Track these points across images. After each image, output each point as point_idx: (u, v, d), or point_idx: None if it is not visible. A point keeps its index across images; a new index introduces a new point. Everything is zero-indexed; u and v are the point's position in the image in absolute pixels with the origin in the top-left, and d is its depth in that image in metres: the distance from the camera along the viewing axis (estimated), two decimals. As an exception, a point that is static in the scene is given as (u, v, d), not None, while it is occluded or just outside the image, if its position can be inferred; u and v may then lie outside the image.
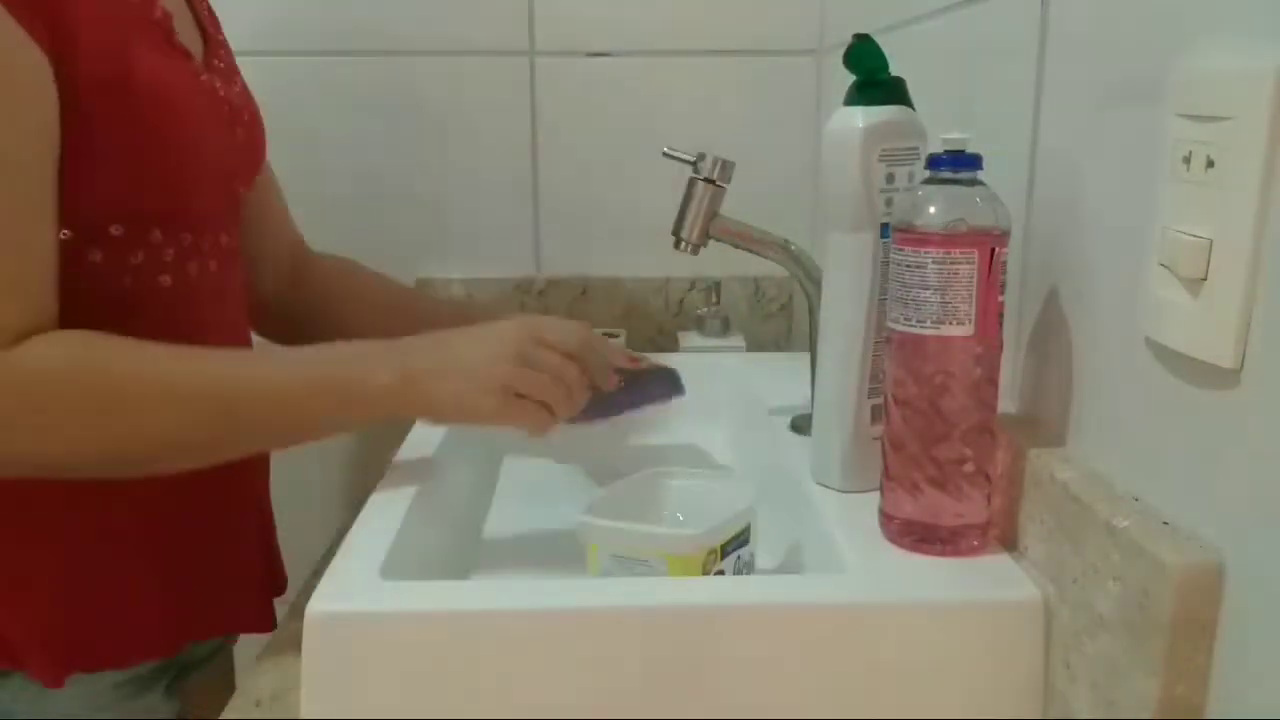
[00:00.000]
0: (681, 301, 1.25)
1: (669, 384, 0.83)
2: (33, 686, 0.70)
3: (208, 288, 0.77)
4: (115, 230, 0.69)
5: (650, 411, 0.81)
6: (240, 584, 0.84)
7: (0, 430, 0.62)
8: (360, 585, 0.59)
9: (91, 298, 0.68)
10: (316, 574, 0.69)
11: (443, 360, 0.68)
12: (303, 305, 0.97)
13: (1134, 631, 0.46)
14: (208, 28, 0.83)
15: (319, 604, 0.56)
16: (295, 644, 0.56)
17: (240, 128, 0.82)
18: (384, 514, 0.68)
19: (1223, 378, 0.43)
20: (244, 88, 0.86)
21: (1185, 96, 0.44)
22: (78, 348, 0.65)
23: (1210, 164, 0.42)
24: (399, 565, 0.62)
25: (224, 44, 0.86)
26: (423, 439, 0.84)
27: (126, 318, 0.68)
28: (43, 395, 0.63)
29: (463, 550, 0.80)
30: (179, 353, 0.67)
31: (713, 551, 0.66)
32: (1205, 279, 0.43)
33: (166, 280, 0.72)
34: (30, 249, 0.64)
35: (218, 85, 0.79)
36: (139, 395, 0.65)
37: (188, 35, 0.78)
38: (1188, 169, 0.44)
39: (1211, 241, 0.42)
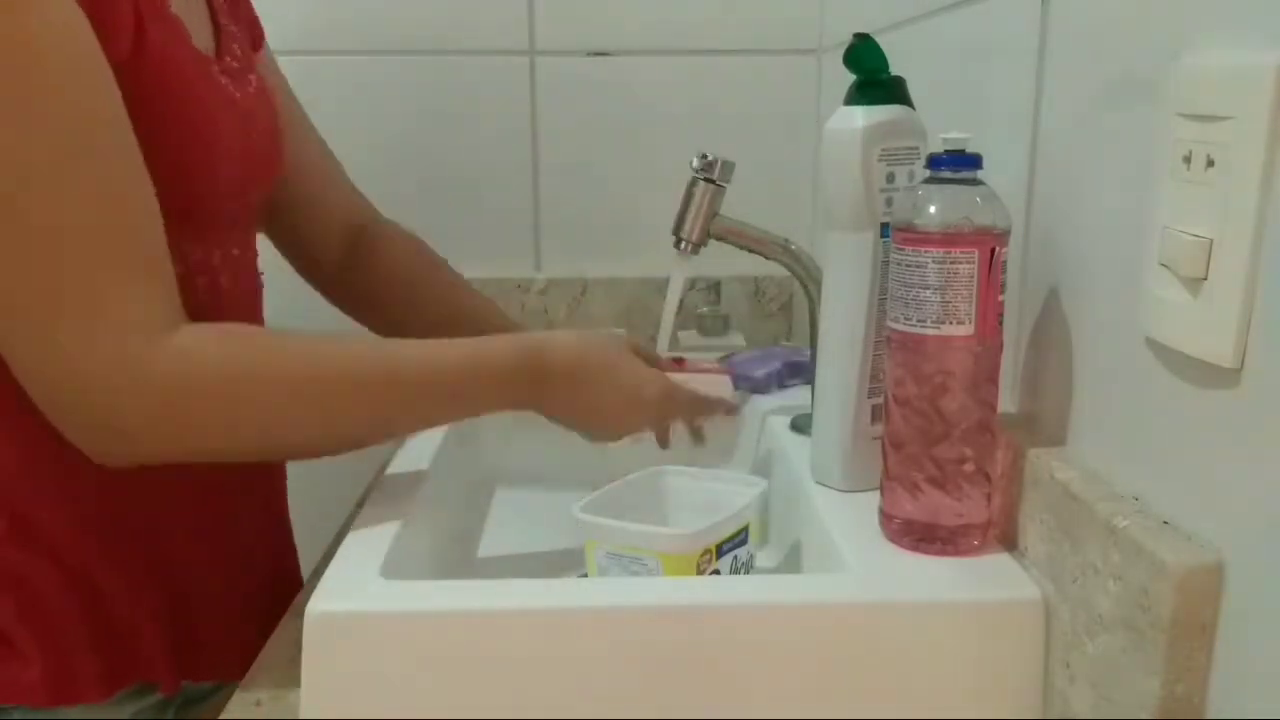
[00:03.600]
0: (681, 301, 1.25)
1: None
2: None
3: (219, 303, 0.73)
4: None
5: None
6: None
7: (192, 429, 0.61)
8: (360, 585, 0.59)
9: None
10: (316, 574, 0.69)
11: (586, 417, 0.74)
12: (366, 284, 0.94)
13: (1134, 631, 0.46)
14: (220, 20, 0.79)
15: (319, 604, 0.56)
16: (295, 644, 0.56)
17: (256, 133, 0.78)
18: (384, 514, 0.68)
19: (1223, 377, 0.43)
20: (260, 88, 0.81)
21: (1185, 96, 0.44)
22: (237, 339, 0.63)
23: (1210, 163, 0.42)
24: (399, 565, 0.62)
25: (238, 37, 0.81)
26: (423, 440, 0.84)
27: None
28: (228, 389, 0.61)
29: (462, 550, 0.80)
30: (328, 340, 0.67)
31: (708, 551, 0.66)
32: (1205, 278, 0.43)
33: None
34: (157, 226, 0.61)
35: (229, 86, 0.75)
36: (319, 382, 0.64)
37: (200, 32, 0.74)
38: (1188, 168, 0.44)
39: (1212, 241, 0.42)
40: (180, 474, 0.67)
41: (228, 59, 0.78)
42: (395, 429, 0.73)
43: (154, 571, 0.71)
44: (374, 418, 0.67)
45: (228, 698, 0.62)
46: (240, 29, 0.83)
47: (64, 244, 0.58)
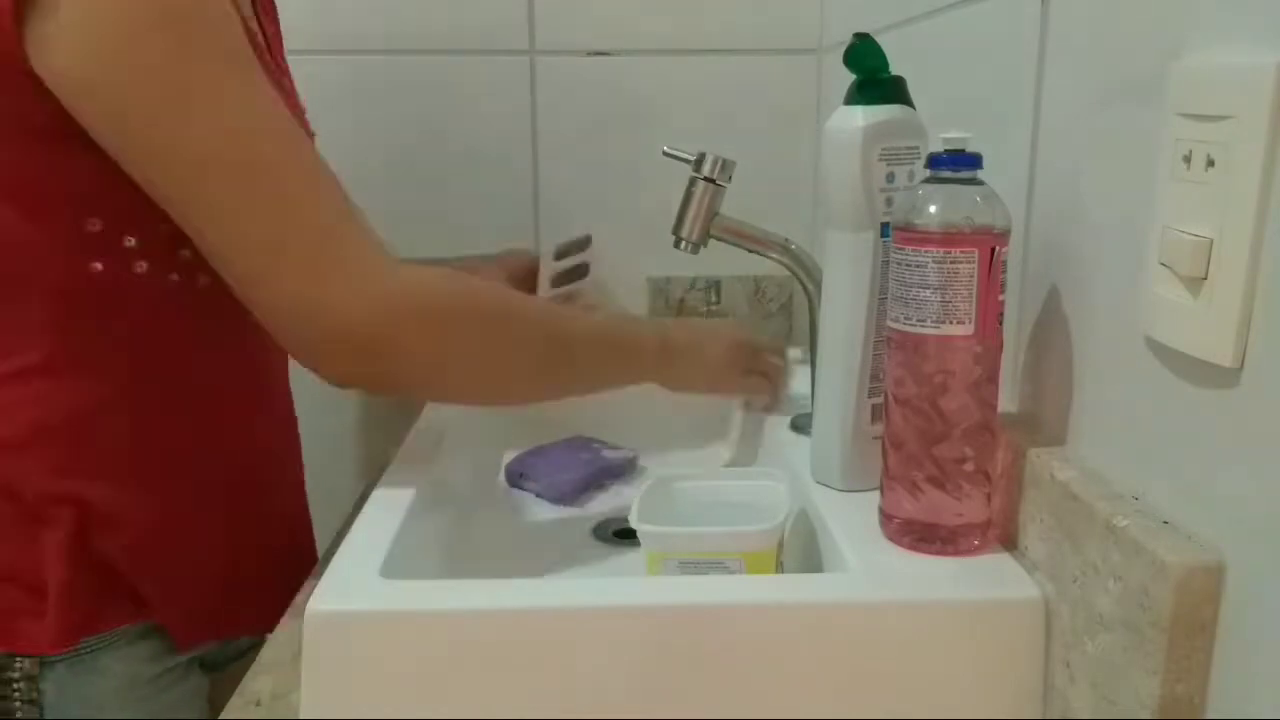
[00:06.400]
0: (681, 301, 1.25)
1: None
2: (76, 677, 0.69)
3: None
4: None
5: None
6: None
7: (438, 345, 0.67)
8: (360, 585, 0.59)
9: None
10: (316, 574, 0.69)
11: (693, 354, 0.85)
12: None
13: (1134, 631, 0.46)
14: (250, 27, 0.82)
15: (319, 604, 0.56)
16: (295, 644, 0.56)
17: None
18: (384, 514, 0.68)
19: (1223, 377, 0.43)
20: (294, 97, 0.85)
21: (1185, 95, 0.44)
22: (452, 274, 0.70)
23: (1211, 163, 0.42)
24: (399, 565, 0.62)
25: (274, 44, 0.85)
26: (423, 439, 0.84)
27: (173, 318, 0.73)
28: (456, 313, 0.69)
29: (463, 549, 0.80)
30: (515, 293, 0.78)
31: (781, 544, 0.66)
32: (1205, 278, 0.43)
33: (204, 280, 0.72)
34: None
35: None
36: (518, 325, 0.73)
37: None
38: (1188, 168, 0.44)
39: (1212, 241, 0.42)
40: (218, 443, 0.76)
41: (285, 80, 0.80)
42: (560, 382, 0.79)
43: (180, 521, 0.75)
44: (550, 363, 0.75)
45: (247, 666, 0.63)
46: (274, 36, 0.85)
47: (313, 196, 0.66)
